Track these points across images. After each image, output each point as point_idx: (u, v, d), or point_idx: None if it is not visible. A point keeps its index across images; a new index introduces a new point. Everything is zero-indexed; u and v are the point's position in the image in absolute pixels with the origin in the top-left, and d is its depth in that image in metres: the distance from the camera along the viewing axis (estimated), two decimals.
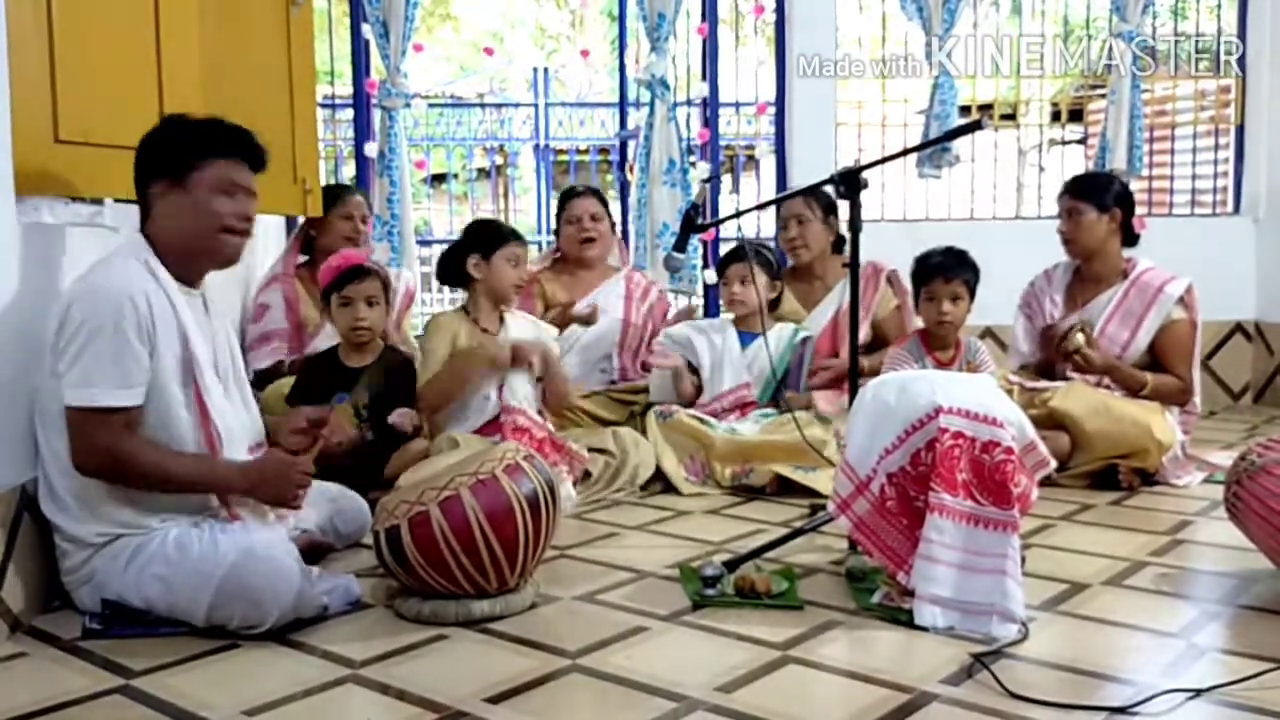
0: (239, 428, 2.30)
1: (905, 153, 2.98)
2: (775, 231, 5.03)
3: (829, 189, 2.81)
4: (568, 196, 4.11)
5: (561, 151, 8.89)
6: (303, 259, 3.92)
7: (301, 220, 3.94)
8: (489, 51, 12.56)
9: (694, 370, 3.70)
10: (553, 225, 4.39)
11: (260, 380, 3.52)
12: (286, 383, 3.36)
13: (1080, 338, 3.44)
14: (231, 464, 2.22)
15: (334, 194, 3.88)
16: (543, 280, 3.97)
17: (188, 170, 2.19)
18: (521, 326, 3.40)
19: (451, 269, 3.37)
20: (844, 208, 3.68)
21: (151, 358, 2.11)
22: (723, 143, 5.34)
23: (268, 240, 4.45)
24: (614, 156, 6.57)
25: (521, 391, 3.27)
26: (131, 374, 2.08)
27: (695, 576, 2.37)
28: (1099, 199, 3.57)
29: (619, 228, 4.20)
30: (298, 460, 2.26)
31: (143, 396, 2.11)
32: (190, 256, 2.25)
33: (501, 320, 3.36)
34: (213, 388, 2.22)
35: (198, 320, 2.24)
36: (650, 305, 4.06)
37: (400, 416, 3.09)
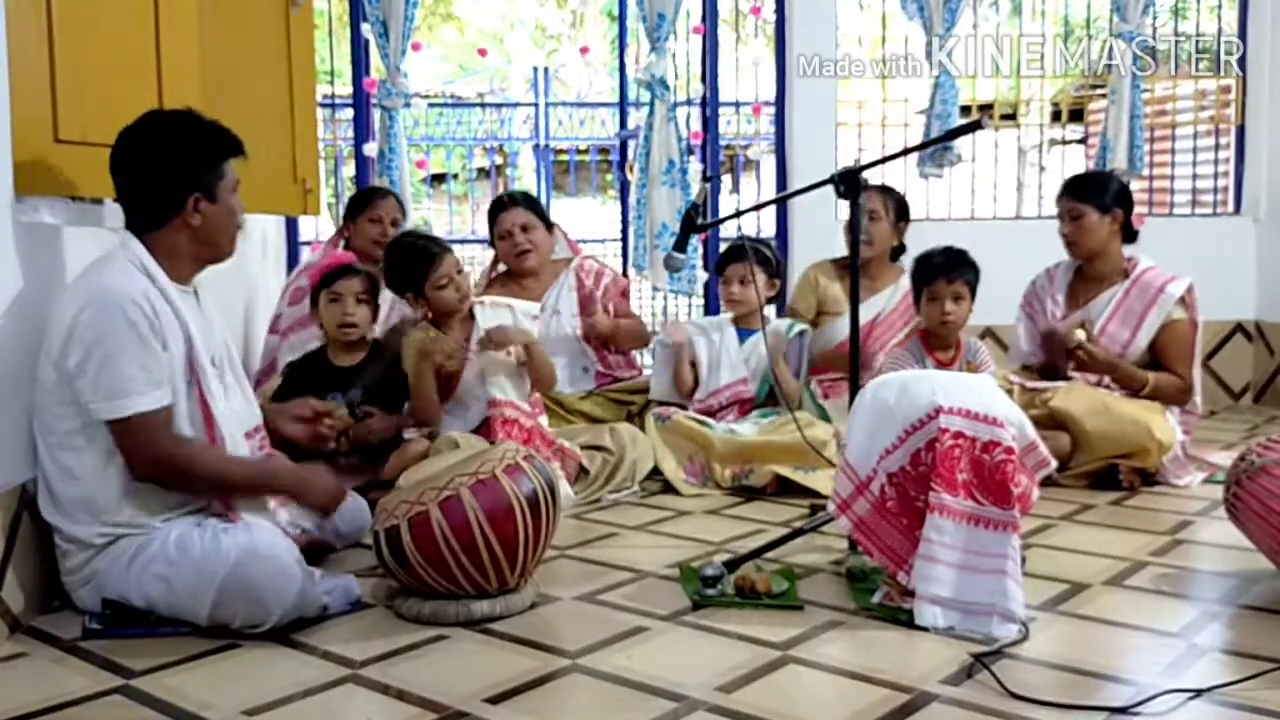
0: (236, 416, 2.31)
1: (906, 152, 2.98)
2: (776, 231, 5.05)
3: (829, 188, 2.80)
4: (496, 209, 3.93)
5: (561, 151, 8.91)
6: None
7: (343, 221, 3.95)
8: (483, 53, 12.57)
9: (692, 365, 3.71)
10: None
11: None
12: (272, 385, 3.35)
13: (1080, 334, 3.45)
14: (284, 465, 2.31)
15: (365, 198, 3.89)
16: (492, 295, 3.88)
17: (217, 180, 2.21)
18: (494, 315, 3.31)
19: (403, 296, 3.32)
20: (844, 207, 3.71)
21: None
22: (722, 143, 5.34)
23: (266, 240, 4.45)
24: (614, 156, 6.58)
25: (507, 382, 3.25)
26: (156, 373, 2.09)
27: (695, 576, 2.37)
28: (1099, 200, 3.57)
29: (558, 226, 4.02)
30: (341, 484, 2.41)
31: (171, 394, 2.11)
32: (202, 259, 2.28)
33: (471, 316, 3.30)
34: (213, 385, 2.22)
35: (193, 314, 2.24)
36: (605, 287, 3.94)
37: (379, 422, 3.09)
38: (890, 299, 3.93)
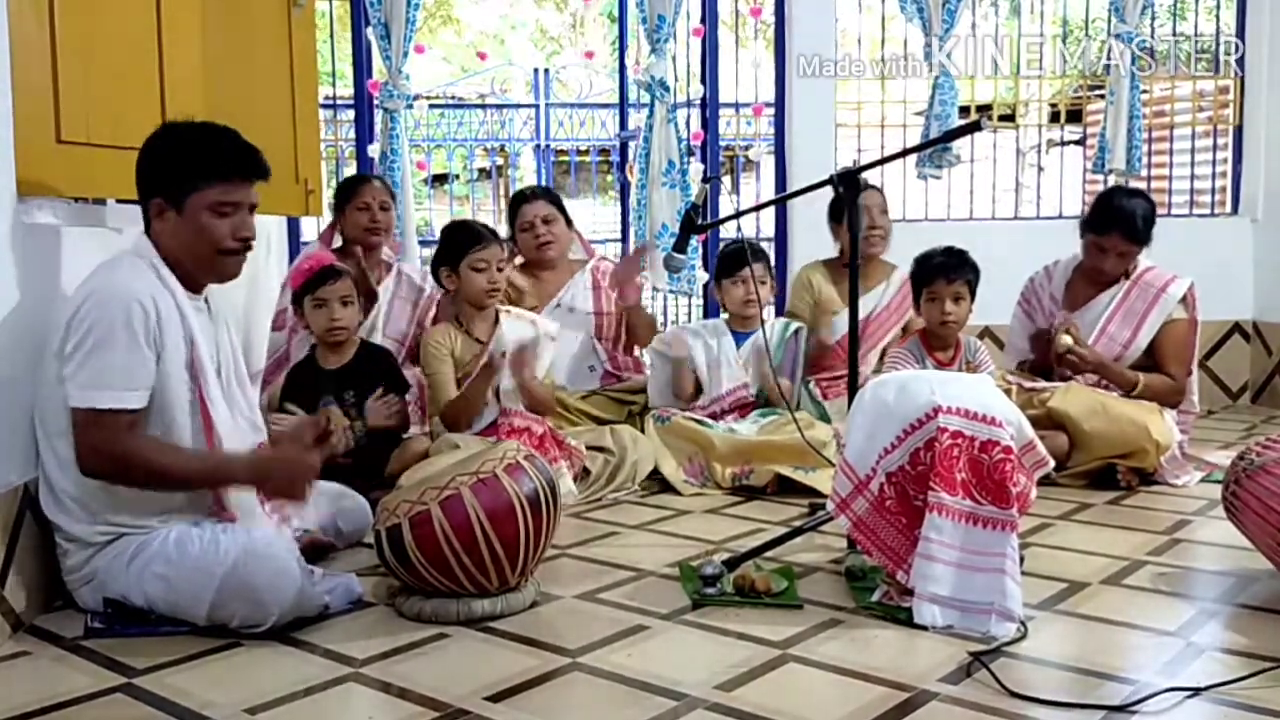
0: (242, 429, 2.31)
1: (905, 153, 2.99)
2: (775, 232, 5.06)
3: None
4: (517, 201, 3.98)
5: (562, 152, 8.93)
6: (337, 244, 3.92)
7: (332, 216, 3.94)
8: (482, 56, 12.60)
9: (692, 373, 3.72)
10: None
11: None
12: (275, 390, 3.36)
13: (1068, 339, 3.45)
14: (239, 455, 2.23)
15: (350, 186, 3.87)
16: (510, 283, 3.88)
17: (185, 194, 2.18)
18: (518, 326, 3.36)
19: (438, 280, 3.42)
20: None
21: (158, 362, 2.12)
22: (722, 144, 5.35)
23: (269, 242, 4.45)
24: (614, 157, 6.59)
25: (513, 393, 3.28)
26: (137, 376, 2.09)
27: (695, 575, 2.38)
28: (1148, 239, 3.54)
29: (574, 226, 4.06)
30: (308, 456, 2.26)
31: (146, 399, 2.12)
32: (190, 271, 2.27)
33: (496, 322, 3.35)
34: (215, 393, 2.23)
35: (201, 325, 2.24)
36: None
37: (375, 414, 3.13)
38: (882, 296, 3.97)
